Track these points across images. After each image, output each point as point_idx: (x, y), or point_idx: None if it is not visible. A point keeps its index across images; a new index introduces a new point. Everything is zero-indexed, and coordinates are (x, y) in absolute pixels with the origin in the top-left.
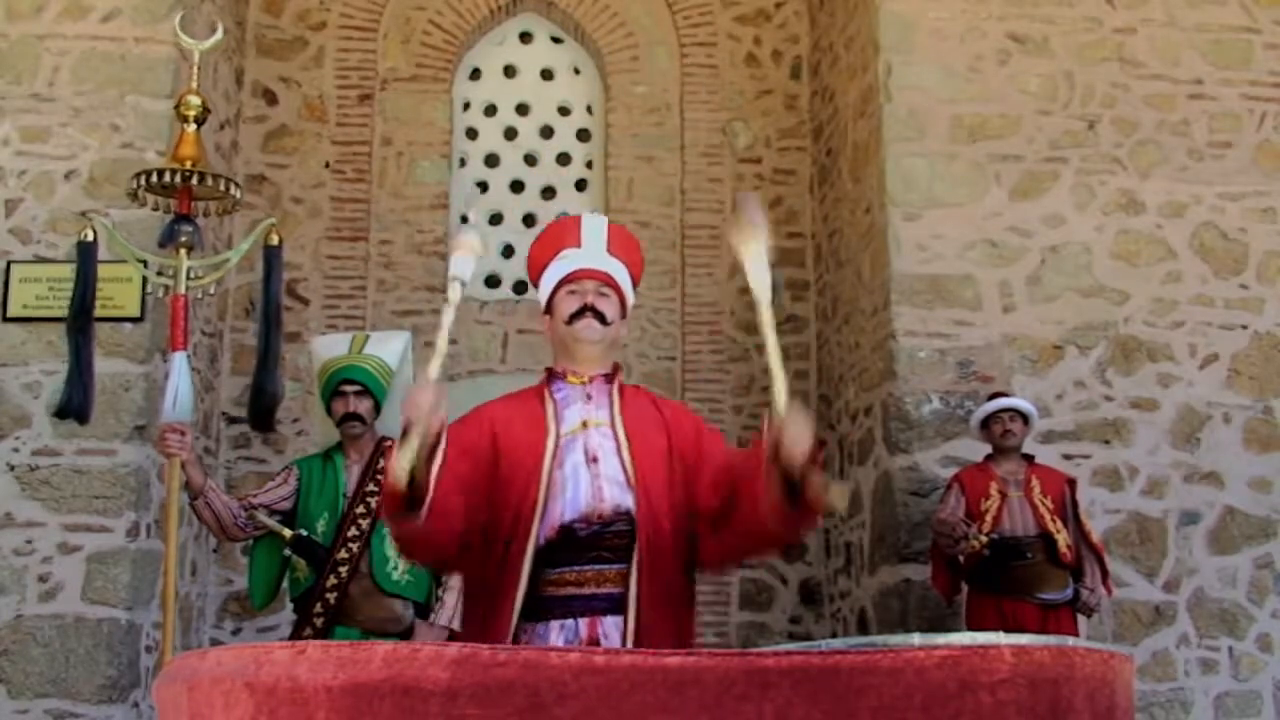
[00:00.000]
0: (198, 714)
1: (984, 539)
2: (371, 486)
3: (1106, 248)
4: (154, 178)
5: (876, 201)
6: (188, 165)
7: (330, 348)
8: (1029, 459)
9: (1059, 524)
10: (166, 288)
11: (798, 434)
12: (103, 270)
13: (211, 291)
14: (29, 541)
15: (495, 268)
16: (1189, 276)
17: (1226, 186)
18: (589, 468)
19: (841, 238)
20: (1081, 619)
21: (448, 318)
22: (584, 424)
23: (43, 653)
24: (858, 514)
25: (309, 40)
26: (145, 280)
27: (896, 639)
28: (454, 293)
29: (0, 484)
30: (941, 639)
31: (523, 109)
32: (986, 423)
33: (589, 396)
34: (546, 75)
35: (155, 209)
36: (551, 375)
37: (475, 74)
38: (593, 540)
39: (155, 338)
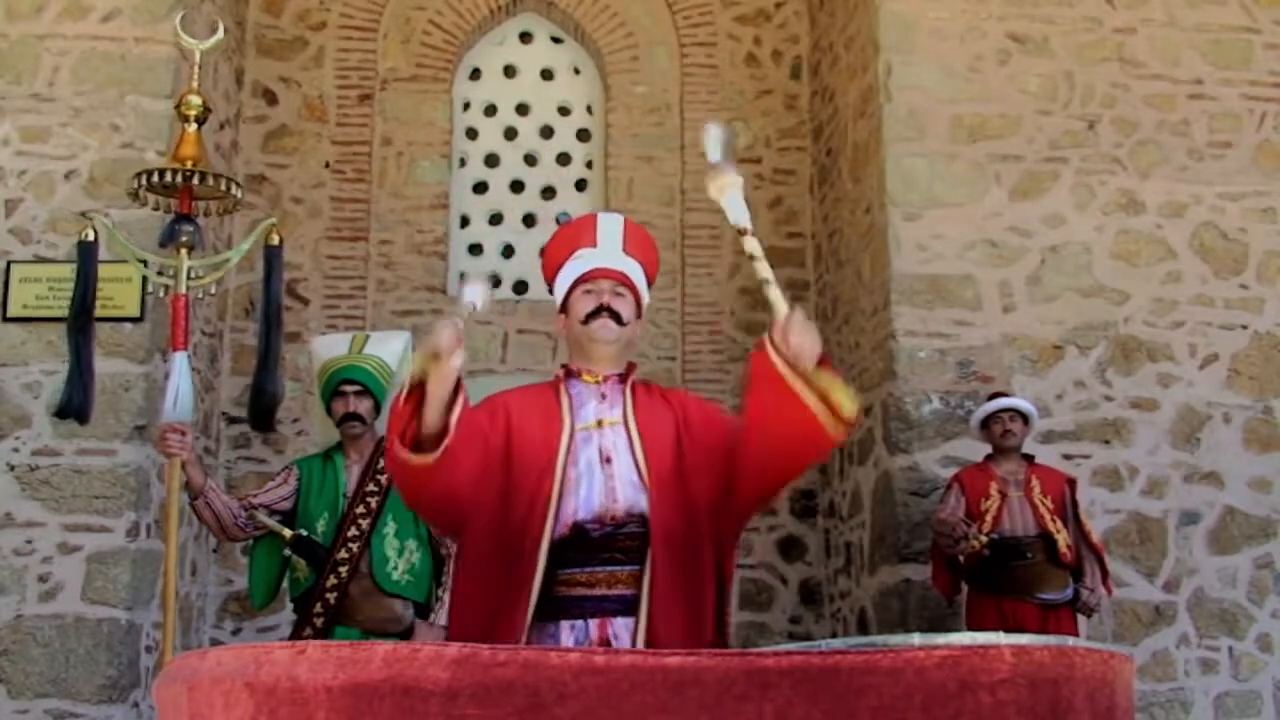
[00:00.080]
0: (198, 714)
1: (984, 539)
2: (371, 487)
3: (1106, 248)
4: (155, 177)
5: (876, 201)
6: (189, 165)
7: (330, 348)
8: (1029, 459)
9: (1059, 524)
10: (167, 287)
11: (803, 338)
12: (103, 270)
13: (212, 291)
14: (29, 541)
15: (495, 267)
16: (1189, 276)
17: (1226, 186)
18: (603, 468)
19: (841, 238)
20: (1081, 619)
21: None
22: (599, 422)
23: (43, 653)
24: (858, 514)
25: (309, 40)
26: (145, 280)
27: (896, 639)
28: (468, 304)
29: (0, 484)
30: (941, 639)
31: (523, 109)
32: (986, 423)
33: (603, 396)
34: (546, 75)
35: (156, 209)
36: (567, 373)
37: (475, 74)
38: (605, 541)
39: (155, 338)
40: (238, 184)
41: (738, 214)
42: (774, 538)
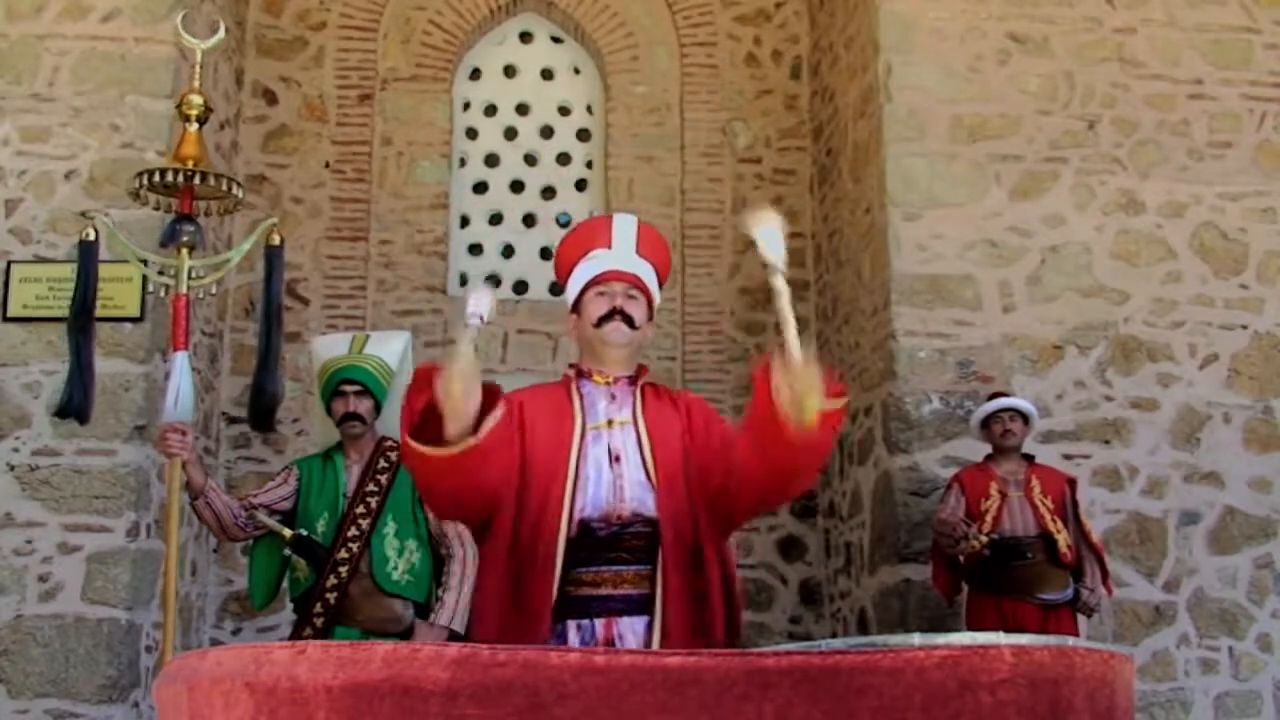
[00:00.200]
0: (198, 714)
1: (984, 539)
2: (371, 487)
3: (1106, 248)
4: (156, 177)
5: (876, 201)
6: (190, 165)
7: (330, 348)
8: (1029, 459)
9: (1059, 524)
10: (167, 287)
11: (807, 396)
12: (103, 270)
13: (213, 291)
14: (29, 541)
15: (495, 267)
16: (1189, 276)
17: (1226, 186)
18: (612, 467)
19: (841, 238)
20: (1081, 619)
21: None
22: (609, 422)
23: (43, 653)
24: (858, 514)
25: (309, 40)
26: (146, 280)
27: (896, 639)
28: (473, 326)
29: (0, 484)
30: (941, 639)
31: (523, 109)
32: (986, 423)
33: (613, 397)
34: (546, 75)
35: (157, 208)
36: (578, 373)
37: (475, 74)
38: (611, 541)
39: (155, 338)
40: (239, 184)
41: (774, 250)
42: (774, 538)
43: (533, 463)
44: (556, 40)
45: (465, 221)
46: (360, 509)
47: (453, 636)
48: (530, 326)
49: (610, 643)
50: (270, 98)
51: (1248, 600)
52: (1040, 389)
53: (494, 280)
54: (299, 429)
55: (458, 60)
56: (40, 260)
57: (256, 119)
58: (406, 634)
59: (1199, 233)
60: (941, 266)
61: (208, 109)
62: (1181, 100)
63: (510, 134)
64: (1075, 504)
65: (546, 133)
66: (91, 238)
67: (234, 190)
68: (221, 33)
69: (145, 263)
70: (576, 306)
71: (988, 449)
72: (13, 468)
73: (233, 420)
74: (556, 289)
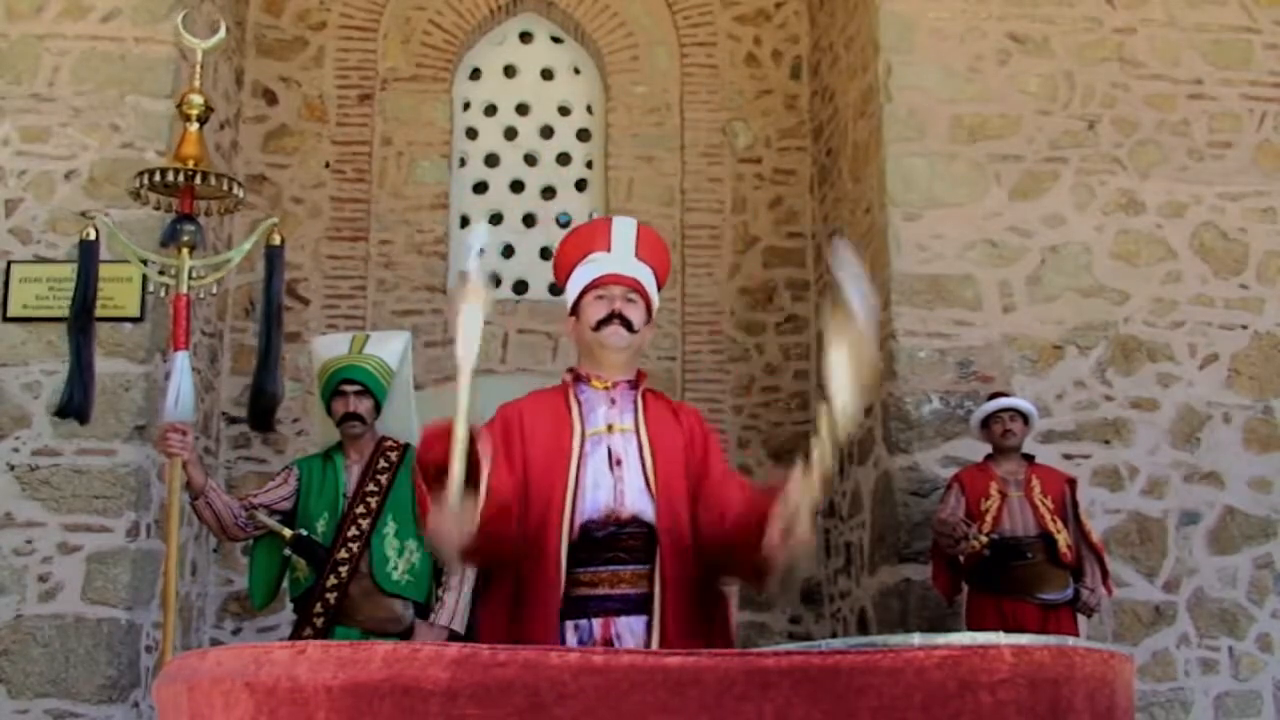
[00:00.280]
0: (198, 714)
1: (984, 539)
2: (371, 487)
3: (1106, 248)
4: (156, 177)
5: (876, 201)
6: (190, 165)
7: (330, 348)
8: (1029, 459)
9: (1059, 524)
10: (168, 287)
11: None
12: (103, 270)
13: (213, 291)
14: (29, 541)
15: (495, 267)
16: (1189, 276)
17: (1226, 186)
18: (612, 471)
19: (841, 238)
20: (1081, 619)
21: (464, 390)
22: (609, 427)
23: (43, 653)
24: (858, 514)
25: (309, 40)
26: (146, 280)
27: (896, 639)
28: (469, 356)
29: (0, 484)
30: (941, 639)
31: (523, 109)
32: (986, 423)
33: (613, 401)
34: (546, 75)
35: (157, 208)
36: (576, 377)
37: (475, 74)
38: (609, 541)
39: (155, 338)
40: (239, 184)
41: (852, 392)
42: None
43: (534, 471)
44: (556, 40)
45: (465, 221)
46: (360, 509)
47: (453, 636)
48: (530, 326)
49: (608, 642)
50: (270, 98)
51: (1248, 600)
52: (1040, 389)
53: (494, 280)
54: (299, 429)
55: (458, 60)
56: (40, 260)
57: (256, 119)
58: (406, 634)
59: (1199, 233)
60: (941, 266)
61: (208, 109)
62: (1181, 100)
63: (510, 134)
64: (1075, 504)
65: (546, 133)
66: (92, 237)
67: (234, 190)
68: (222, 33)
69: (145, 263)
70: (575, 309)
71: (988, 449)
72: (13, 468)
73: (233, 420)
74: (556, 289)
